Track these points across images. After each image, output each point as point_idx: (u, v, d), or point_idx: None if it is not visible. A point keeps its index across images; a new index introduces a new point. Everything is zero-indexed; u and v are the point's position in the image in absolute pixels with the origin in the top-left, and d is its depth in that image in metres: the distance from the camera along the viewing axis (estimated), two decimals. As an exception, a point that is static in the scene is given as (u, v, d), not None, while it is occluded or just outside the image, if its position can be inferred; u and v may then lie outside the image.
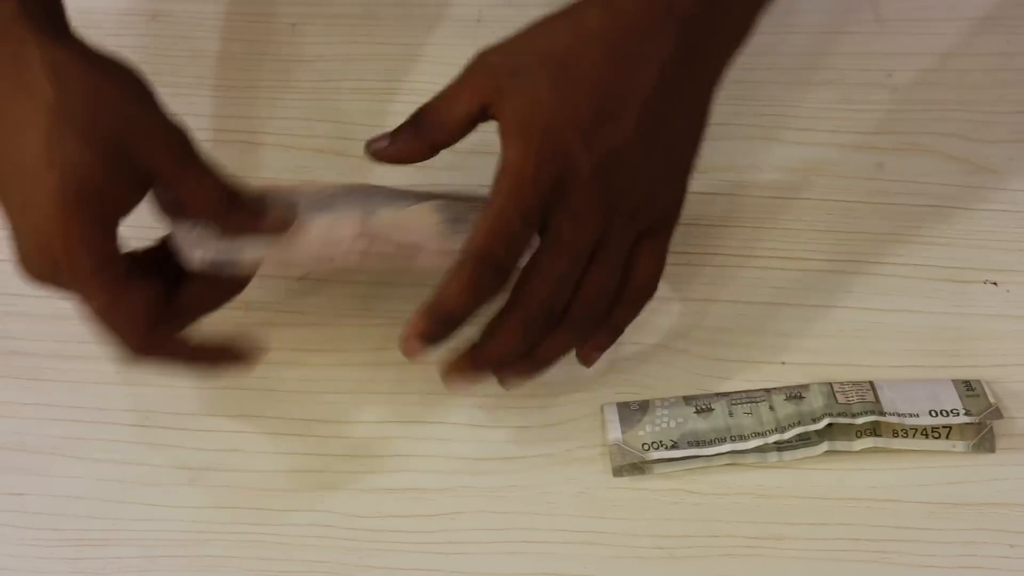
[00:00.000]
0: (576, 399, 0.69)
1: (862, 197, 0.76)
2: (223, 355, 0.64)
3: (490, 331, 0.62)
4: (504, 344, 0.62)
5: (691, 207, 0.70)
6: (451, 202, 0.65)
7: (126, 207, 0.61)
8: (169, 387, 0.69)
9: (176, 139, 0.62)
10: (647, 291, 0.65)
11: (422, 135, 0.64)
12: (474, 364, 0.63)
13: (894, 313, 0.71)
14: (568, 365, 0.69)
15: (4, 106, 0.59)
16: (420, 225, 0.64)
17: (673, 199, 0.65)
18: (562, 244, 0.61)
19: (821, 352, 0.70)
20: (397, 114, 0.78)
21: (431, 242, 0.64)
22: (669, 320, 0.71)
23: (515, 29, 0.62)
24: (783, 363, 0.70)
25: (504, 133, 0.61)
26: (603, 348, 0.66)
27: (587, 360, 0.66)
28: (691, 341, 0.71)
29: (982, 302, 0.72)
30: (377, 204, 0.64)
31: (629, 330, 0.67)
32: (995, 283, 0.72)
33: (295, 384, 0.70)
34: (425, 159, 0.64)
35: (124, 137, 0.59)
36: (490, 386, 0.68)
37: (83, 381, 0.70)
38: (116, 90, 0.61)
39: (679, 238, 0.70)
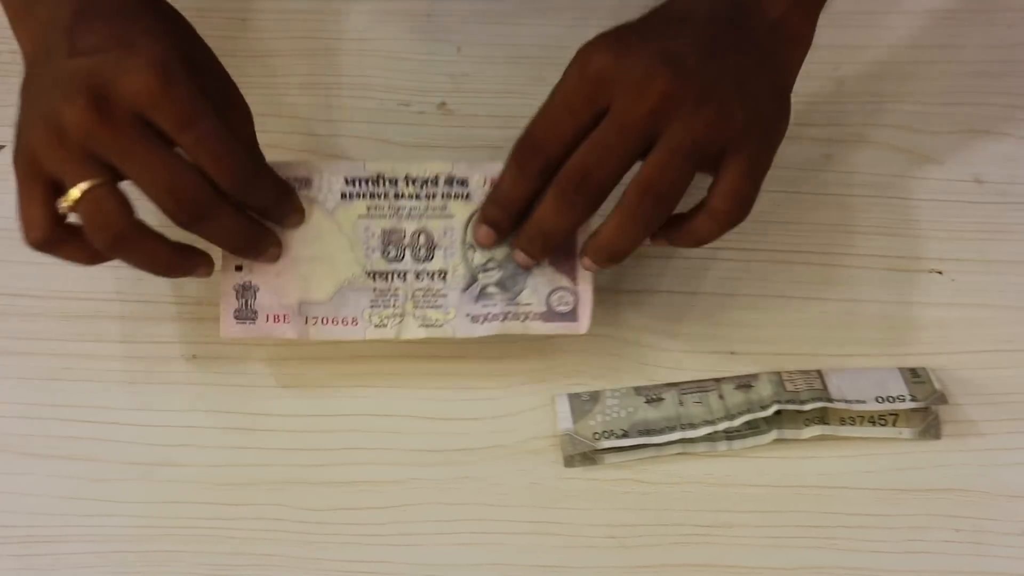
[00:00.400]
0: (527, 391, 0.69)
1: (809, 188, 0.76)
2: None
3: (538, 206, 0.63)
4: (543, 213, 0.63)
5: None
6: None
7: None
8: (119, 383, 0.69)
9: (241, 104, 0.65)
10: (730, 204, 0.63)
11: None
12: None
13: (841, 303, 0.71)
14: (520, 357, 0.69)
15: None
16: None
17: (757, 112, 0.63)
18: (614, 116, 0.60)
19: (770, 342, 0.70)
20: (348, 108, 0.79)
21: None
22: (619, 312, 0.71)
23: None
24: (732, 353, 0.70)
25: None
26: (671, 242, 0.65)
27: (663, 241, 0.65)
28: (641, 332, 0.71)
29: (928, 291, 0.72)
30: None
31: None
32: (940, 272, 0.72)
33: (244, 379, 0.69)
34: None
35: (204, 66, 0.64)
36: (443, 379, 0.68)
37: (33, 377, 0.69)
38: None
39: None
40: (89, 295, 0.72)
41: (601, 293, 0.68)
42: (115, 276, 0.72)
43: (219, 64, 0.65)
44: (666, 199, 0.61)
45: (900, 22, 0.83)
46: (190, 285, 0.71)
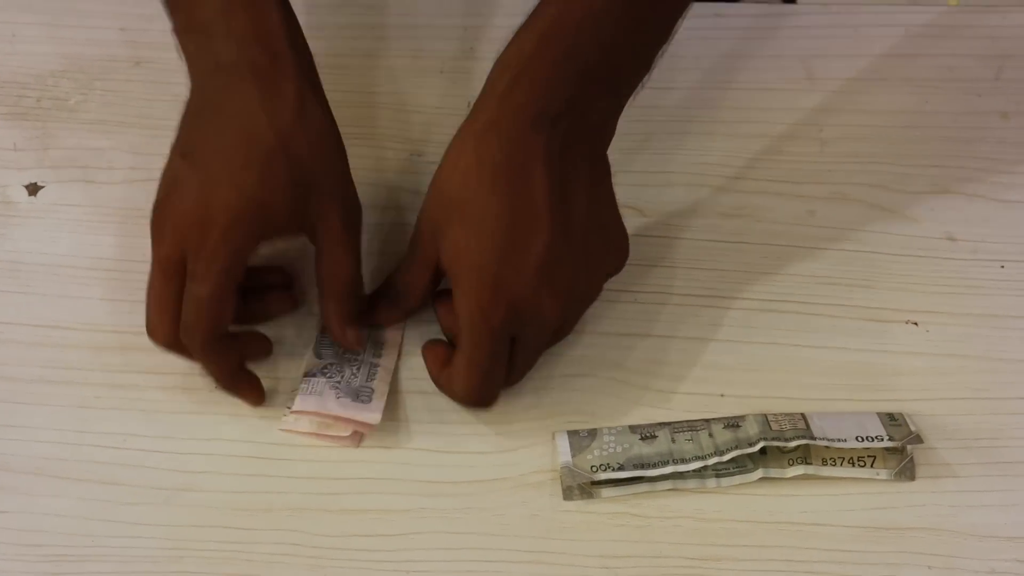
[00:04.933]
0: (529, 428, 0.69)
1: (794, 242, 0.76)
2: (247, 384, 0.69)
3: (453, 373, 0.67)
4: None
5: (640, 250, 0.72)
6: None
7: (276, 234, 0.67)
8: (146, 412, 0.69)
9: (351, 213, 0.68)
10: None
11: (397, 305, 0.70)
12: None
13: (823, 350, 0.72)
14: (522, 395, 0.70)
15: (245, 101, 0.65)
16: None
17: (624, 238, 0.69)
18: (529, 351, 0.67)
19: (757, 385, 0.71)
20: (361, 157, 0.78)
21: None
22: (616, 354, 0.71)
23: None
24: (722, 395, 0.70)
25: (452, 282, 0.66)
26: None
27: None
28: (637, 374, 0.71)
29: (904, 341, 0.72)
30: None
31: (578, 364, 0.69)
32: (915, 323, 0.73)
33: (263, 410, 0.69)
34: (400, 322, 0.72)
35: (312, 188, 0.65)
36: (451, 414, 0.69)
37: (65, 405, 0.69)
38: (331, 146, 0.67)
39: (629, 279, 0.72)
40: (118, 328, 0.72)
41: (603, 336, 0.71)
42: (142, 312, 0.72)
43: (335, 172, 0.67)
44: None
45: (880, 89, 0.84)
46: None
